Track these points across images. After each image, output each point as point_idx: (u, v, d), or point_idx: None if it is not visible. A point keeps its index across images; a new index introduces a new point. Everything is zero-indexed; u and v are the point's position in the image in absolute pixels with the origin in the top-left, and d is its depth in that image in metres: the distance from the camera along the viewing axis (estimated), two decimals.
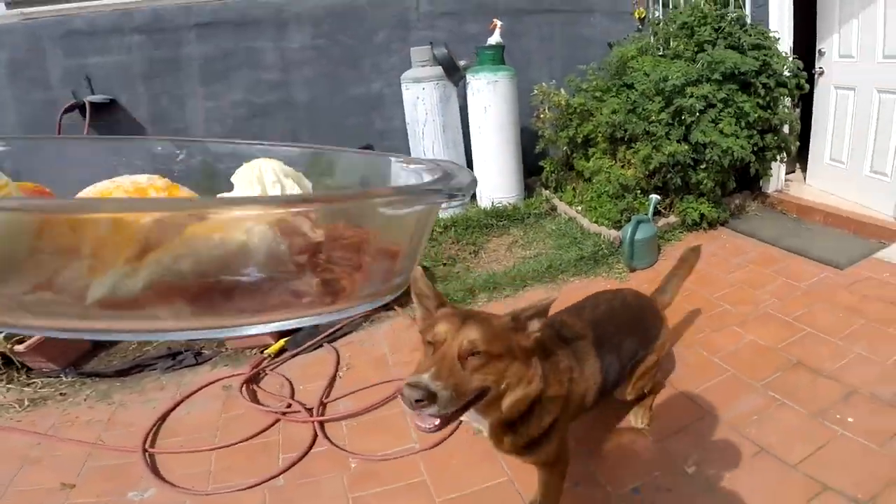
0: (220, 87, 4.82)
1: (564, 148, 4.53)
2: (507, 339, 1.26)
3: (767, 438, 2.03)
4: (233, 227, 0.30)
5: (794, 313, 2.89)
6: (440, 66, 4.53)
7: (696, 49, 4.01)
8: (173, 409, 2.59)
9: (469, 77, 4.53)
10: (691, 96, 3.69)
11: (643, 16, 5.16)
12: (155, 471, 2.19)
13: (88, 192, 0.37)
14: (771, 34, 3.93)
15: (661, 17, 4.96)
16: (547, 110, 4.57)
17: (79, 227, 0.29)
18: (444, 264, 4.03)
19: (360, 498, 1.98)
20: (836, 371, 2.36)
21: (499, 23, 4.56)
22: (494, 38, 4.54)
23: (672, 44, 4.22)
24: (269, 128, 4.92)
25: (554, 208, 4.62)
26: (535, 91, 4.53)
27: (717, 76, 3.71)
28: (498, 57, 4.50)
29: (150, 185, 0.38)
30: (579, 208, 4.36)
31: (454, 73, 4.57)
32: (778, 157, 4.05)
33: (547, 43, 5.27)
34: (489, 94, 4.46)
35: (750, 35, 3.84)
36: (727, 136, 3.70)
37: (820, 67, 4.13)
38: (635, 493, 1.88)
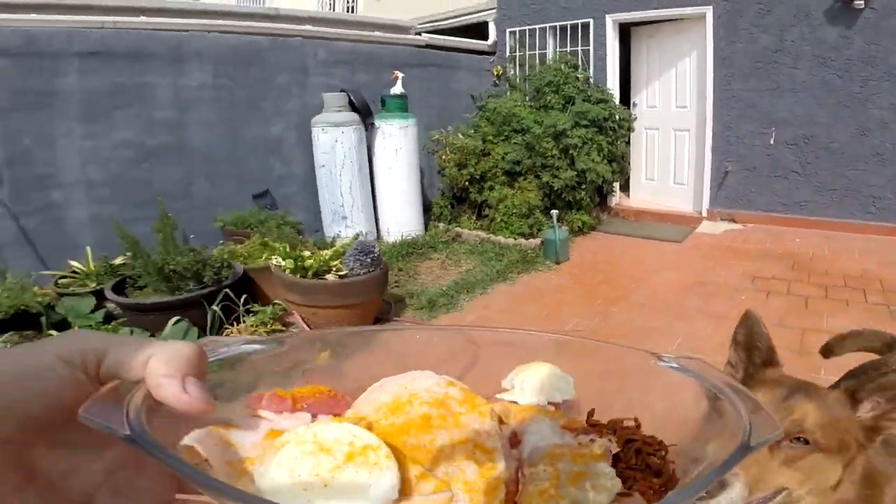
0: (103, 126, 4.24)
1: (465, 183, 5.51)
2: (842, 427, 0.88)
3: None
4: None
5: (675, 265, 4.63)
6: (356, 112, 5.06)
7: (564, 101, 5.43)
8: None
9: (380, 122, 5.06)
10: (574, 137, 5.08)
11: (500, 73, 6.51)
12: None
13: (380, 401, 0.37)
14: (609, 91, 5.60)
15: (516, 74, 6.38)
16: (449, 152, 5.50)
17: None
18: (396, 285, 4.58)
19: None
20: (715, 278, 4.21)
21: (400, 74, 5.21)
22: (398, 89, 5.14)
23: (546, 98, 5.54)
24: (159, 173, 4.51)
25: (459, 235, 5.41)
26: (436, 136, 5.46)
27: (584, 122, 5.18)
28: (404, 105, 5.14)
29: (446, 395, 0.37)
30: (487, 231, 5.37)
31: (367, 118, 5.15)
32: (619, 179, 5.74)
33: (425, 93, 5.98)
34: (401, 139, 5.07)
35: (596, 91, 5.45)
36: (598, 164, 5.18)
37: (635, 115, 5.96)
38: None
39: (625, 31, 6.21)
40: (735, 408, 0.35)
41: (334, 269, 3.56)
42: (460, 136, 5.40)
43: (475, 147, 5.32)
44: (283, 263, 3.51)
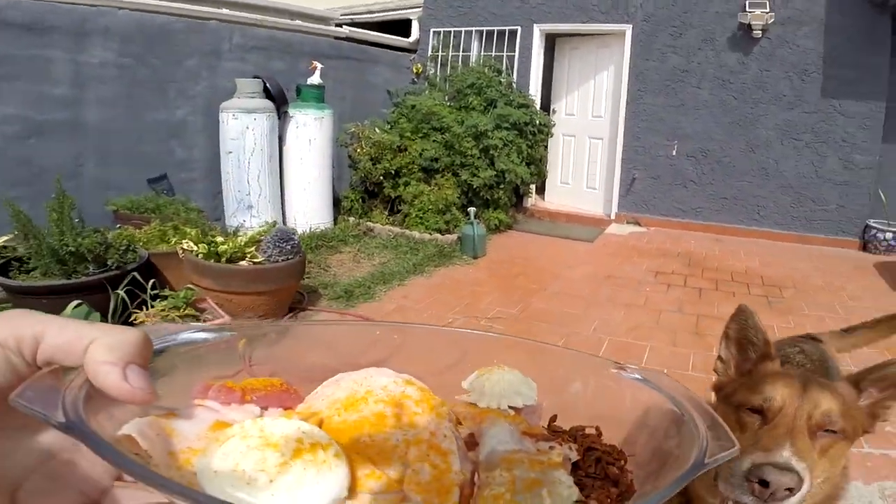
0: None
1: (380, 177, 5.57)
2: (853, 414, 0.96)
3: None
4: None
5: (587, 261, 5.02)
6: (270, 100, 4.93)
7: (485, 104, 5.68)
8: None
9: (294, 111, 5.03)
10: (494, 138, 5.32)
11: (420, 71, 6.66)
12: None
13: (334, 396, 0.38)
14: (531, 97, 5.94)
15: (437, 74, 6.56)
16: (364, 146, 5.54)
17: None
18: (308, 276, 4.52)
19: None
20: (623, 273, 4.57)
21: (318, 65, 5.18)
22: (315, 79, 5.14)
23: (468, 99, 5.77)
24: (47, 150, 4.23)
25: (370, 229, 5.47)
26: (352, 129, 5.50)
27: (506, 125, 5.46)
28: (321, 96, 5.15)
29: (403, 394, 0.38)
30: (400, 226, 5.44)
31: (281, 107, 5.02)
32: (536, 182, 6.06)
33: (341, 85, 5.99)
34: (315, 129, 5.07)
35: (519, 96, 5.74)
36: (517, 165, 5.45)
37: (554, 121, 6.33)
38: None
39: (549, 41, 6.58)
40: (693, 423, 0.36)
41: (249, 255, 3.52)
42: (377, 130, 5.48)
43: (392, 142, 5.44)
44: (195, 248, 3.41)
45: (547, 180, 6.69)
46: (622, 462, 0.39)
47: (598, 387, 0.47)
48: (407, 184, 5.48)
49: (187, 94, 4.99)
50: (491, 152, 5.38)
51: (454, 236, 5.21)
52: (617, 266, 4.77)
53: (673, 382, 0.42)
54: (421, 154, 5.41)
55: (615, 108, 6.11)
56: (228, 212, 4.94)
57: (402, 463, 0.34)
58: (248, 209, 4.91)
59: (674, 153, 5.90)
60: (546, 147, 6.28)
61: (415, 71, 6.71)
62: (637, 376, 0.43)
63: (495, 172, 5.38)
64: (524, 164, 5.59)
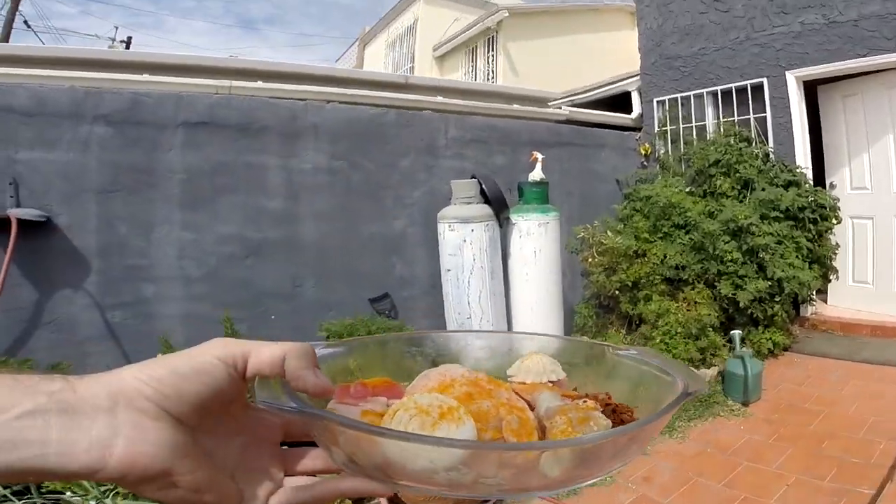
0: (205, 215, 3.91)
1: (615, 291, 4.67)
2: None
3: None
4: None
5: None
6: (488, 204, 4.27)
7: (739, 186, 4.53)
8: None
9: (515, 217, 4.33)
10: (762, 234, 4.12)
11: (648, 152, 5.75)
12: None
13: (428, 386, 0.51)
14: (800, 170, 4.61)
15: (669, 153, 5.59)
16: (596, 254, 4.65)
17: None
18: None
19: None
20: None
21: (540, 156, 4.37)
22: (537, 174, 4.37)
23: (714, 182, 4.70)
24: (263, 271, 4.09)
25: None
26: (581, 234, 4.69)
27: (775, 214, 4.22)
28: (544, 195, 4.37)
29: (477, 378, 0.52)
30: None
31: (501, 211, 4.35)
32: (821, 285, 4.62)
33: (566, 177, 5.28)
34: (540, 238, 4.28)
35: (783, 170, 4.48)
36: (800, 269, 4.14)
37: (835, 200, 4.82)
38: None
39: (809, 90, 5.22)
40: (677, 377, 0.50)
41: None
42: (608, 233, 4.61)
43: (627, 247, 4.52)
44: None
45: (830, 279, 5.16)
46: (631, 413, 0.51)
47: (605, 365, 0.61)
48: (647, 298, 4.46)
49: (404, 202, 4.66)
50: (759, 254, 4.18)
51: (712, 371, 4.07)
52: None
53: (659, 354, 0.56)
54: (663, 260, 4.41)
55: None
56: None
57: (497, 419, 0.47)
58: None
59: None
60: (832, 238, 4.84)
61: (642, 152, 5.79)
62: (633, 352, 0.59)
63: (769, 282, 4.15)
64: (807, 265, 4.27)
